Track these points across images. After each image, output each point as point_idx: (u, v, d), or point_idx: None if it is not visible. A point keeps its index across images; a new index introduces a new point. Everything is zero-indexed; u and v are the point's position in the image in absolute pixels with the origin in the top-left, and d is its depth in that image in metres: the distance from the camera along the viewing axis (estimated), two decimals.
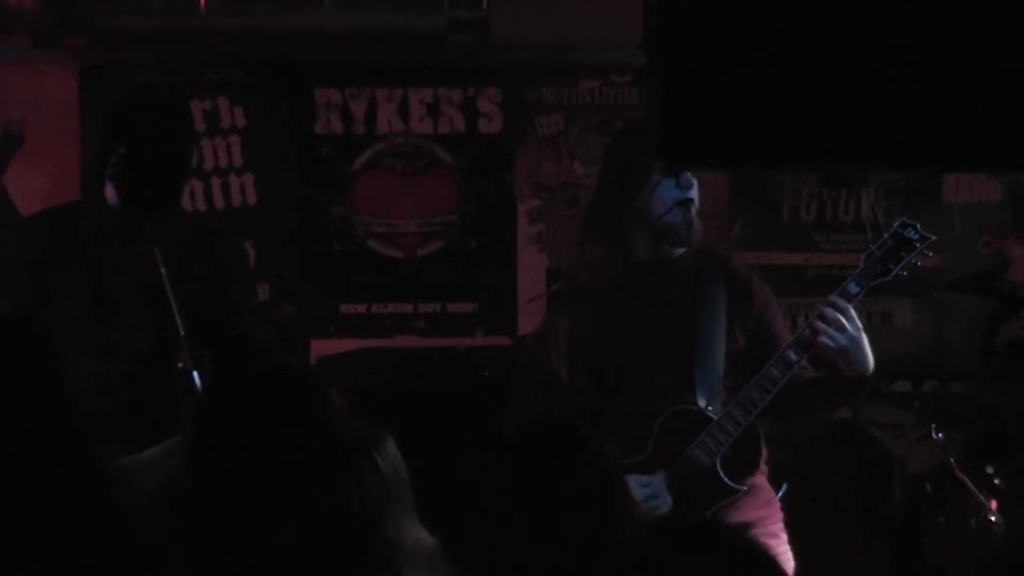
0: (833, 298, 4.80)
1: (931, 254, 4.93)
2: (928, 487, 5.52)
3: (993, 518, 5.66)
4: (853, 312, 4.78)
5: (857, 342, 4.78)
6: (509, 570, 3.10)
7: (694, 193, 4.90)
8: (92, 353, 4.75)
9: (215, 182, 7.10)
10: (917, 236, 4.89)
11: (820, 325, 4.77)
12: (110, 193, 4.79)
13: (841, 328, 4.75)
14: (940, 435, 5.79)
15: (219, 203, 7.08)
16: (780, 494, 5.04)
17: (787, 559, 4.25)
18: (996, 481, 5.68)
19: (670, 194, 4.86)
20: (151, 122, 4.85)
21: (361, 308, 7.19)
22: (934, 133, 3.38)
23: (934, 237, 4.93)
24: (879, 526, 4.50)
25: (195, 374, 4.62)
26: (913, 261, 4.90)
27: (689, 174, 4.87)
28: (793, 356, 4.81)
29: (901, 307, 6.96)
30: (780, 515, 4.92)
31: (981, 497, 5.46)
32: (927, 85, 3.34)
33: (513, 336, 7.11)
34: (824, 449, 4.88)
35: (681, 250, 4.94)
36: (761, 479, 4.97)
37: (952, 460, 5.59)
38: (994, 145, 3.39)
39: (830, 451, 4.70)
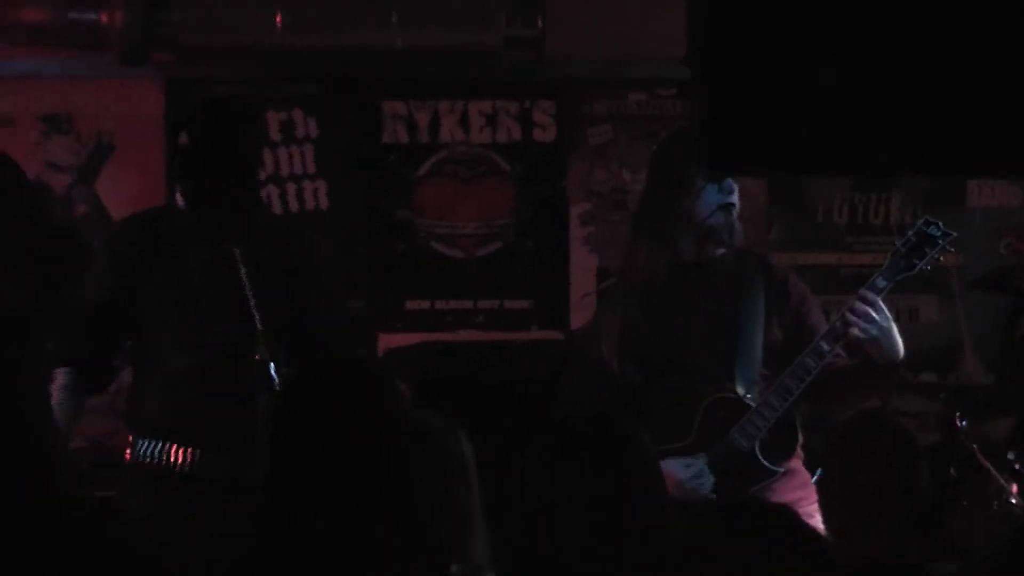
0: (863, 292, 4.80)
1: (953, 250, 4.93)
2: (953, 472, 5.49)
3: (1014, 500, 5.63)
4: (882, 304, 4.78)
5: (887, 331, 4.78)
6: (551, 556, 3.07)
7: (735, 198, 4.90)
8: (176, 346, 4.78)
9: (290, 188, 7.12)
10: (939, 233, 4.89)
11: (851, 317, 4.77)
12: (178, 196, 4.82)
13: (870, 319, 4.75)
14: (964, 423, 5.77)
15: (294, 207, 7.10)
16: (815, 477, 5.04)
17: (821, 535, 4.24)
18: (1016, 466, 5.65)
19: (713, 198, 4.86)
20: (208, 127, 4.86)
21: (425, 304, 7.20)
22: (957, 142, 3.39)
23: (955, 234, 4.92)
24: (907, 508, 4.49)
25: (272, 365, 4.63)
26: (936, 256, 4.89)
27: (730, 180, 4.87)
28: (825, 346, 4.81)
29: (927, 303, 6.93)
30: (815, 497, 4.92)
31: (1002, 481, 5.43)
32: (950, 98, 3.35)
33: (565, 331, 7.09)
34: (855, 436, 4.88)
35: (723, 250, 4.95)
36: (797, 463, 4.96)
37: (975, 447, 5.57)
38: (1014, 153, 3.40)
39: (860, 438, 4.70)
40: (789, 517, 2.73)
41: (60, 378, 4.74)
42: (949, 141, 3.45)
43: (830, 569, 2.64)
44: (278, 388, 4.52)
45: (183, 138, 4.83)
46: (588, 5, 6.76)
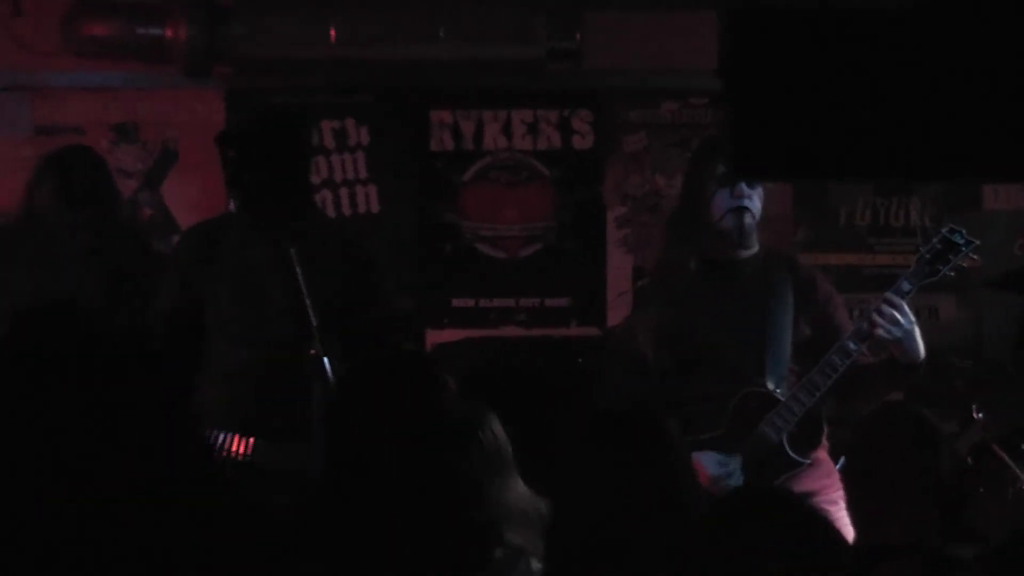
0: (888, 295, 4.79)
1: (975, 257, 4.90)
2: (970, 461, 5.46)
3: None
4: (907, 307, 4.77)
5: (910, 334, 4.77)
6: (588, 540, 3.08)
7: (748, 202, 4.88)
8: (236, 342, 4.81)
9: (343, 192, 7.13)
10: (963, 241, 4.86)
11: (877, 319, 4.76)
12: (232, 203, 4.84)
13: (895, 322, 4.74)
14: (980, 415, 5.74)
15: (347, 210, 7.12)
16: (839, 466, 5.02)
17: (846, 524, 4.23)
18: None
19: (724, 202, 4.86)
20: (253, 138, 4.87)
21: (470, 302, 7.20)
22: (973, 148, 3.38)
23: (978, 241, 4.90)
24: (928, 495, 4.47)
25: (326, 360, 4.64)
26: (959, 263, 4.87)
27: (743, 185, 4.85)
28: (852, 345, 4.80)
29: (946, 302, 6.91)
30: (839, 485, 4.91)
31: (1017, 470, 5.40)
32: (966, 107, 3.34)
33: (602, 327, 7.09)
34: (880, 427, 4.86)
35: (751, 251, 4.94)
36: (822, 453, 4.96)
37: (991, 437, 5.54)
38: (1020, 162, 3.39)
39: (886, 429, 4.67)
40: (809, 509, 2.74)
41: None
42: (965, 147, 3.44)
43: (839, 556, 2.64)
44: (332, 381, 4.55)
45: (231, 150, 4.84)
46: (623, 20, 6.76)
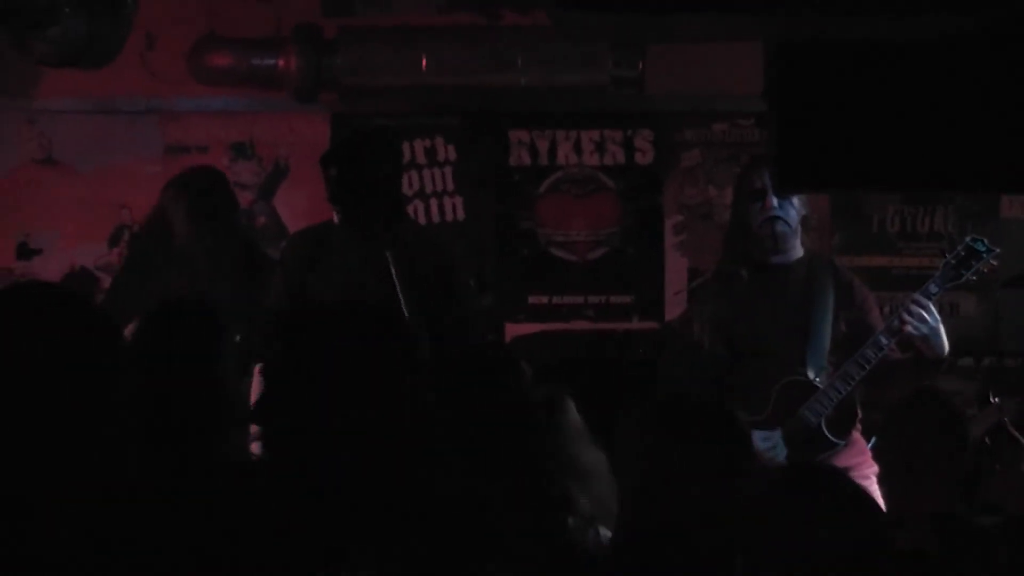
0: (917, 296, 4.77)
1: (995, 263, 4.87)
2: (987, 440, 5.41)
3: None
4: (933, 307, 4.75)
5: (936, 331, 4.75)
6: (658, 515, 3.05)
7: (779, 212, 4.87)
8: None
9: (433, 202, 7.13)
10: (984, 248, 4.83)
11: (907, 317, 4.74)
12: (336, 215, 4.85)
13: (923, 320, 4.72)
14: (996, 400, 5.69)
15: (436, 218, 7.12)
16: (870, 445, 5.01)
17: (877, 497, 4.21)
18: None
19: (759, 213, 4.86)
20: (351, 156, 4.88)
21: (544, 299, 7.18)
22: (991, 164, 3.36)
23: (998, 250, 4.87)
24: (951, 471, 4.44)
25: None
26: (980, 268, 4.84)
27: (773, 197, 4.84)
28: (884, 340, 4.78)
29: (966, 299, 6.84)
30: (871, 462, 4.90)
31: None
32: (984, 129, 3.32)
33: (661, 321, 7.05)
34: (908, 411, 4.83)
35: (796, 255, 4.93)
36: (856, 434, 4.94)
37: (1006, 419, 5.49)
38: None
39: (913, 413, 4.65)
40: (847, 481, 2.73)
41: (258, 372, 4.80)
42: (985, 163, 3.43)
43: (882, 524, 2.63)
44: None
45: (331, 170, 4.86)
46: (680, 51, 6.73)
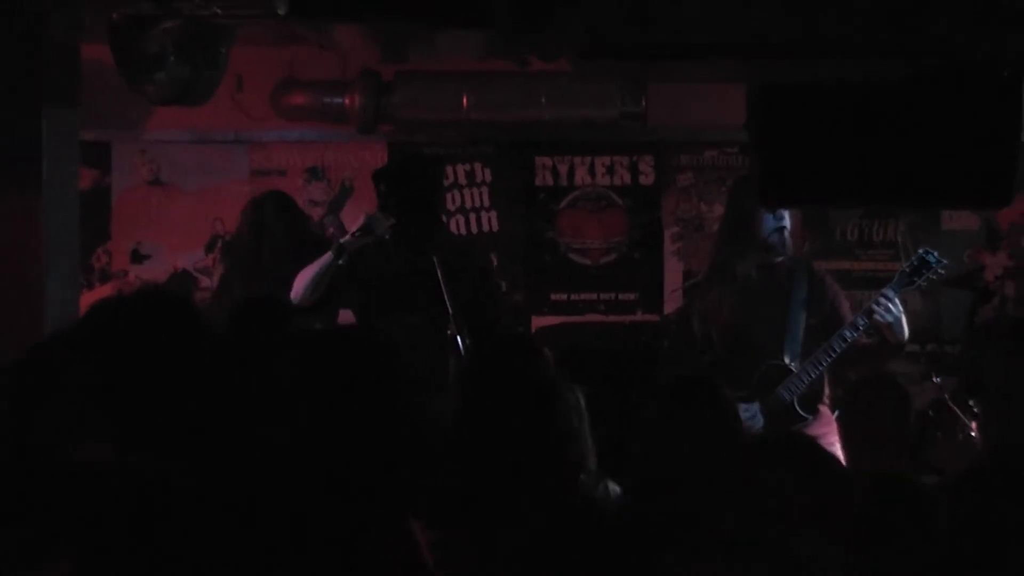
0: (885, 291, 4.80)
1: (943, 272, 4.88)
2: (930, 413, 5.41)
3: (974, 435, 5.53)
4: (898, 301, 4.76)
5: (899, 320, 4.76)
6: (661, 477, 3.03)
7: (786, 222, 4.88)
8: (394, 325, 4.82)
9: (472, 216, 7.12)
10: (935, 260, 4.84)
11: (876, 307, 4.75)
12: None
13: (889, 311, 4.73)
14: (938, 379, 5.68)
15: (474, 230, 7.12)
16: (835, 416, 5.00)
17: (840, 456, 4.21)
18: (976, 410, 5.54)
19: (771, 223, 4.85)
20: (398, 175, 4.87)
21: (563, 296, 7.17)
22: (935, 187, 3.37)
23: (946, 261, 4.88)
24: (901, 438, 4.42)
25: (459, 338, 4.66)
26: (931, 276, 4.84)
27: (783, 211, 4.85)
28: (849, 334, 4.79)
29: (913, 297, 6.83)
30: (836, 431, 4.89)
31: (965, 420, 5.34)
32: (931, 157, 3.33)
33: (660, 314, 7.05)
34: (866, 389, 4.82)
35: (780, 258, 4.93)
36: (824, 408, 4.93)
37: (946, 395, 5.48)
38: (971, 194, 3.38)
39: (870, 390, 4.64)
40: (814, 446, 2.73)
41: None
42: (930, 185, 3.44)
43: (844, 482, 2.62)
44: (463, 354, 4.57)
45: (380, 185, 4.85)
46: (676, 91, 6.73)
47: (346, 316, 5.32)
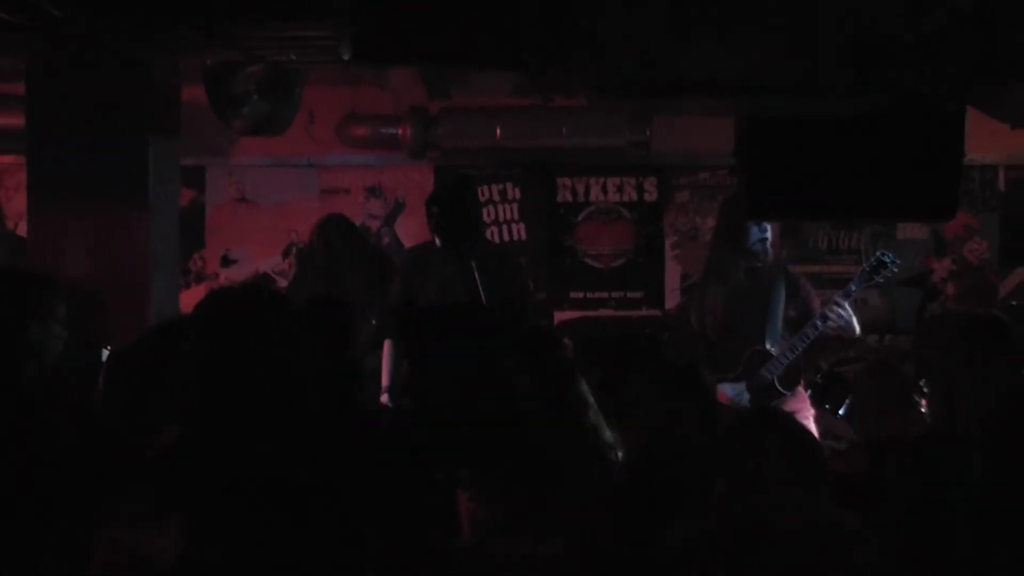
0: (837, 299, 4.79)
1: (896, 270, 4.87)
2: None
3: (923, 409, 5.50)
4: (847, 305, 4.75)
5: (849, 321, 4.76)
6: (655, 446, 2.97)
7: (768, 233, 4.88)
8: None
9: (504, 228, 7.15)
10: (890, 260, 4.82)
11: (829, 313, 4.75)
12: (436, 239, 4.86)
13: (840, 316, 4.73)
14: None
15: (506, 239, 7.13)
16: (808, 395, 5.00)
17: (813, 428, 4.21)
18: (925, 389, 5.52)
19: (755, 234, 4.85)
20: (445, 195, 4.88)
21: (580, 294, 7.18)
22: (891, 204, 3.38)
23: (900, 261, 4.88)
24: (899, 412, 4.39)
25: None
26: (887, 274, 4.83)
27: (766, 223, 4.86)
28: (819, 323, 4.77)
29: (872, 295, 6.83)
30: (810, 407, 4.89)
31: (915, 398, 5.32)
32: (890, 179, 3.34)
33: (663, 310, 7.05)
34: (870, 373, 4.80)
35: (762, 263, 4.93)
36: (800, 388, 4.93)
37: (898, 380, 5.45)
38: (920, 210, 3.39)
39: (873, 373, 4.62)
40: (791, 420, 2.73)
41: (387, 345, 4.86)
42: (886, 202, 3.45)
43: (815, 448, 2.62)
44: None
45: (433, 208, 4.87)
46: (676, 122, 6.73)
47: None
